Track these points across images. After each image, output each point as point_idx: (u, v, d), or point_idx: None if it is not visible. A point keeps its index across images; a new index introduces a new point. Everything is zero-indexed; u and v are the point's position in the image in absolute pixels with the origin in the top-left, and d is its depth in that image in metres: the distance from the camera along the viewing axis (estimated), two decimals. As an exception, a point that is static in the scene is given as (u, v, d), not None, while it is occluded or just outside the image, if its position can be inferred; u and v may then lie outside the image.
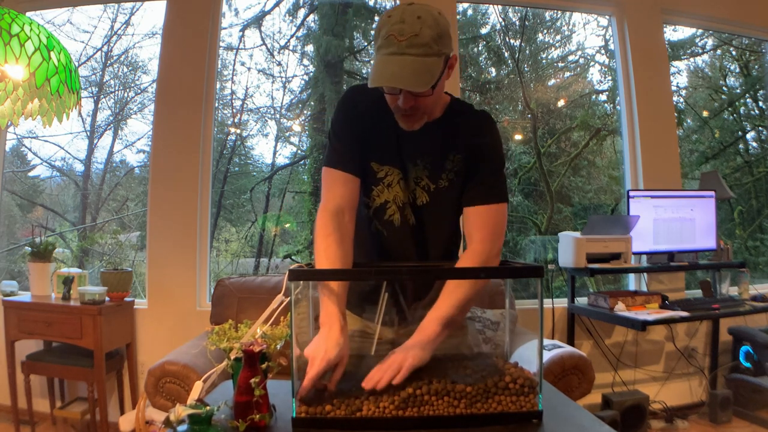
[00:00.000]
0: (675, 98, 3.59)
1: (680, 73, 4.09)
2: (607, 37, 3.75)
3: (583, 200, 4.01)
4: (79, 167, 3.85)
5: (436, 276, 1.27)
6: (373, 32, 3.99)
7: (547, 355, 2.14)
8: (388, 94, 1.12)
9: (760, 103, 4.12)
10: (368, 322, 1.31)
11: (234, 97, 3.91)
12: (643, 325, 2.41)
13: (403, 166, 1.22)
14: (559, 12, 3.92)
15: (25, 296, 2.79)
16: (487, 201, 1.18)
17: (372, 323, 1.28)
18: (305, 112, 4.06)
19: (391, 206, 1.23)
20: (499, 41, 3.99)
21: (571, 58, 4.05)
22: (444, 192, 1.22)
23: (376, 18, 3.94)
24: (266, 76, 3.93)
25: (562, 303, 2.97)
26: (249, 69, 3.86)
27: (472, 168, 1.21)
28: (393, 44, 1.03)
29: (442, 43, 1.05)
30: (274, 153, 4.07)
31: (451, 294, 1.11)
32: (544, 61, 4.14)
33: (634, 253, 2.86)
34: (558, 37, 4.16)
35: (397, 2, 3.34)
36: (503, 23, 4.03)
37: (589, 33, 3.99)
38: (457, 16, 3.35)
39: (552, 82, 4.03)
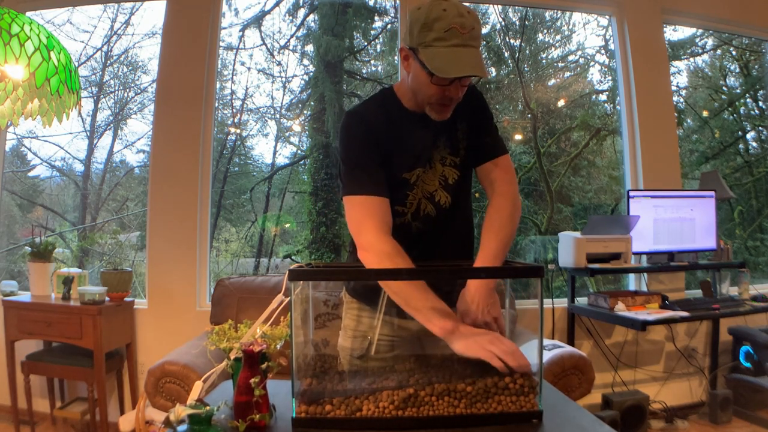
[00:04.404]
0: (675, 98, 3.59)
1: (680, 73, 4.09)
2: (607, 37, 3.75)
3: (583, 200, 4.01)
4: (79, 167, 3.85)
5: (438, 276, 1.27)
6: (373, 31, 3.98)
7: (547, 355, 2.14)
8: (437, 86, 1.14)
9: (760, 103, 4.12)
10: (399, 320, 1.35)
11: (234, 97, 3.92)
12: (643, 325, 2.41)
13: (425, 158, 1.26)
14: (559, 12, 3.92)
15: (25, 296, 2.79)
16: (498, 154, 1.32)
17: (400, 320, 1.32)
18: (305, 112, 4.06)
19: (423, 201, 1.28)
20: (499, 41, 3.99)
21: (571, 58, 4.05)
22: (465, 161, 1.31)
23: (376, 18, 3.94)
24: (266, 76, 3.93)
25: (562, 303, 2.97)
26: (249, 69, 3.87)
27: (475, 132, 1.31)
28: (457, 36, 1.08)
29: None
30: (274, 153, 4.08)
31: (497, 234, 1.24)
32: (544, 61, 4.14)
33: (634, 253, 2.86)
34: (558, 37, 4.16)
35: (397, 2, 3.34)
36: (503, 23, 4.03)
37: (589, 33, 3.99)
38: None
39: (552, 82, 4.03)
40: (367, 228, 1.16)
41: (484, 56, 4.04)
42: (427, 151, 1.26)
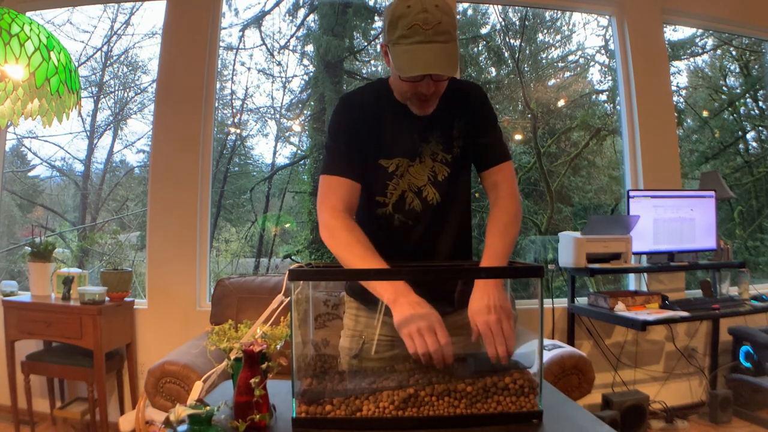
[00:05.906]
0: (675, 98, 3.58)
1: (680, 73, 4.09)
2: (607, 37, 3.75)
3: (583, 200, 4.01)
4: (79, 167, 3.85)
5: (439, 275, 1.27)
6: (373, 31, 3.98)
7: (547, 355, 2.14)
8: (409, 82, 1.14)
9: (760, 103, 4.12)
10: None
11: (234, 97, 3.92)
12: (643, 325, 2.41)
13: (413, 151, 1.26)
14: (559, 12, 3.92)
15: (25, 296, 2.79)
16: (501, 161, 1.30)
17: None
18: (305, 112, 4.06)
19: (408, 194, 1.27)
20: (499, 41, 3.99)
21: (571, 58, 4.05)
22: (459, 160, 1.29)
23: (377, 18, 3.94)
24: (266, 76, 3.93)
25: (562, 303, 2.97)
26: (249, 69, 3.87)
27: (473, 133, 1.29)
28: (419, 33, 1.07)
29: (456, 28, 1.12)
30: (274, 153, 4.08)
31: (502, 236, 1.21)
32: (544, 61, 4.14)
33: (634, 253, 2.86)
34: (558, 37, 4.16)
35: None
36: (503, 23, 4.03)
37: (589, 33, 3.99)
38: (457, 16, 3.35)
39: (552, 82, 4.03)
40: (325, 206, 1.19)
41: (483, 56, 4.05)
42: (416, 143, 1.26)
